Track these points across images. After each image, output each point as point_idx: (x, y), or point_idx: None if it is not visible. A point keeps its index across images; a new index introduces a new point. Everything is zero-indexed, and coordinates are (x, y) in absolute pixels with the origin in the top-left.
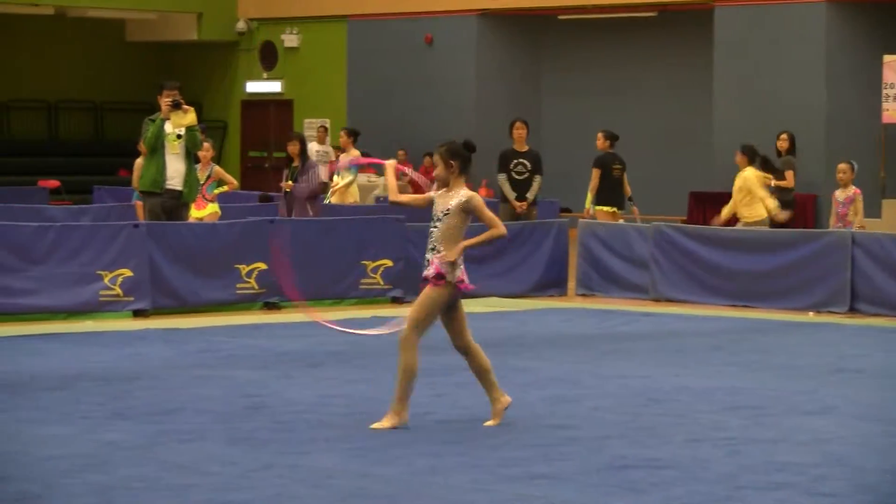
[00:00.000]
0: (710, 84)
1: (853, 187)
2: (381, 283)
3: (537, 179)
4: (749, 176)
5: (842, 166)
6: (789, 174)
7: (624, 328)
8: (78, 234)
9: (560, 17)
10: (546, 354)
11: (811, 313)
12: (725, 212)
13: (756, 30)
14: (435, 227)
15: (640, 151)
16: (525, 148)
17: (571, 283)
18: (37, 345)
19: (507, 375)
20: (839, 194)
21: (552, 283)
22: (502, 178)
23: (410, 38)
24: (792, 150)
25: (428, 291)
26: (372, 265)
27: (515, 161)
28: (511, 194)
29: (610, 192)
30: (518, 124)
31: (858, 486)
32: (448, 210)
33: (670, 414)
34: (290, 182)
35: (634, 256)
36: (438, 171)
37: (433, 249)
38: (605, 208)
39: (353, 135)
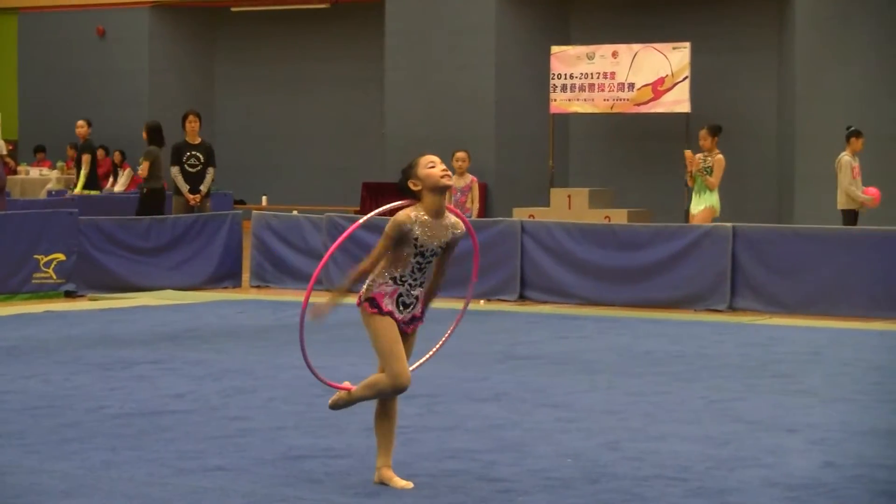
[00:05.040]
0: (382, 76)
1: (470, 175)
2: (54, 277)
3: (210, 172)
4: None
5: (459, 154)
6: (144, 165)
7: (298, 319)
8: None
9: (233, 8)
10: (221, 346)
11: (482, 301)
12: None
13: (427, 21)
14: (429, 262)
15: (314, 143)
16: (198, 140)
17: (246, 275)
18: None
19: (183, 368)
20: (456, 181)
21: (227, 274)
22: (175, 170)
23: (83, 30)
24: (153, 140)
25: None
26: (45, 259)
27: (188, 153)
28: (185, 187)
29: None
30: (191, 117)
31: (529, 470)
32: (450, 242)
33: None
34: None
35: (308, 247)
36: (437, 201)
37: (422, 285)
38: None
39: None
